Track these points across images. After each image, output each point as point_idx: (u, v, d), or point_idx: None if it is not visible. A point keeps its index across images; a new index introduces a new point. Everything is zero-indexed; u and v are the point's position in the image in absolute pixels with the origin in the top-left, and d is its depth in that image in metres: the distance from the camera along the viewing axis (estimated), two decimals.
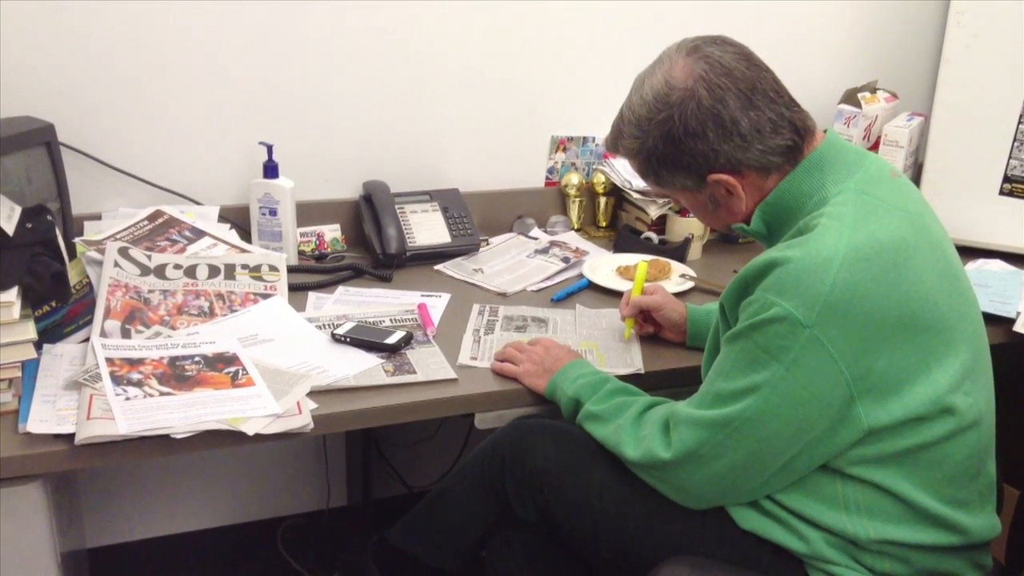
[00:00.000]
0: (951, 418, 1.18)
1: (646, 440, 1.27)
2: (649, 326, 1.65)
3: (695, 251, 2.08)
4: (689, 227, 2.07)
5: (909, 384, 1.15)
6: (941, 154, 2.10)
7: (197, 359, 1.41)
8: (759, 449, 1.18)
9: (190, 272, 1.63)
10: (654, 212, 2.08)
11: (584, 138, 2.22)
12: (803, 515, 1.22)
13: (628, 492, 1.32)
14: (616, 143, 1.32)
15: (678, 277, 1.90)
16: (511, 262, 1.98)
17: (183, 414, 1.26)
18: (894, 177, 1.27)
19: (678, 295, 1.77)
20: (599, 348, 1.61)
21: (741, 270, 1.22)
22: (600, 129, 2.23)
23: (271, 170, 1.83)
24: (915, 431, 1.17)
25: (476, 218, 2.07)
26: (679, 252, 2.03)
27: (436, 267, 1.94)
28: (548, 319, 1.71)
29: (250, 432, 1.24)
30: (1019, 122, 2.01)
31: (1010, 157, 2.03)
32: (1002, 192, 2.04)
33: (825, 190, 1.22)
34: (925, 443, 1.18)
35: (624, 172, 2.15)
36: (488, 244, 2.06)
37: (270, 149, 1.83)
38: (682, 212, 2.09)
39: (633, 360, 1.57)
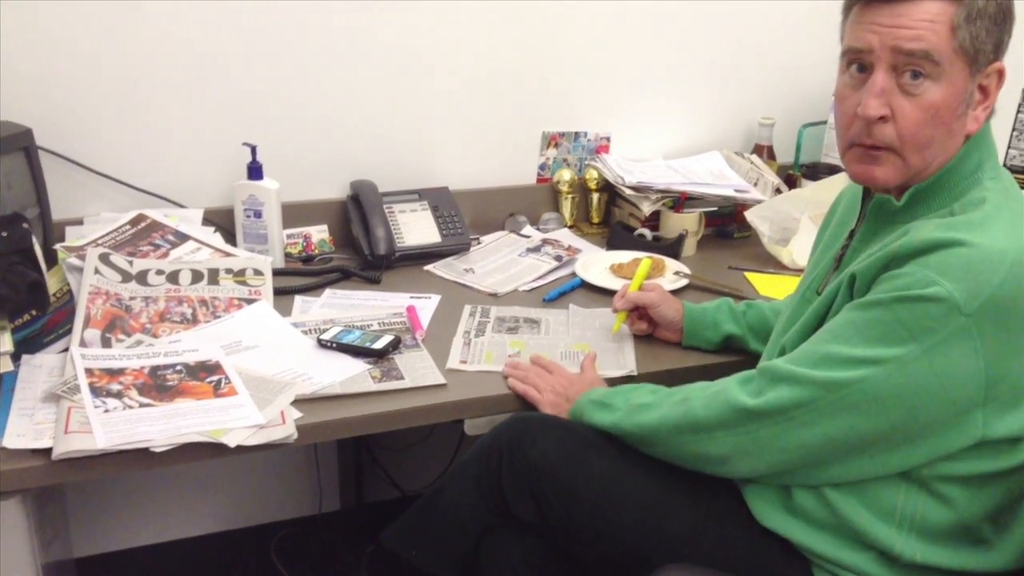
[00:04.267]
0: None
1: (720, 394, 1.21)
2: (643, 323, 1.62)
3: (689, 247, 2.04)
4: (683, 223, 2.03)
5: None
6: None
7: (179, 368, 1.37)
8: (861, 427, 1.11)
9: (173, 278, 1.59)
10: (647, 208, 2.05)
11: (576, 133, 2.19)
12: (849, 521, 1.17)
13: (630, 486, 1.29)
14: None
15: (672, 274, 1.87)
16: (502, 261, 1.94)
17: (163, 426, 1.23)
18: None
19: (672, 292, 1.73)
20: (591, 349, 1.57)
21: (892, 244, 1.13)
22: (592, 124, 2.20)
23: (255, 171, 1.79)
24: (1015, 451, 1.13)
25: (467, 216, 2.03)
26: (673, 249, 1.99)
27: (426, 267, 1.90)
28: (540, 320, 1.67)
29: (231, 444, 1.21)
30: (1018, 111, 1.98)
31: (1009, 147, 2.00)
32: None
33: (982, 172, 1.17)
34: (1017, 466, 1.14)
35: (616, 168, 2.12)
36: (479, 243, 2.02)
37: (254, 150, 1.79)
38: (676, 208, 2.05)
39: (626, 362, 1.53)
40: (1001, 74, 1.17)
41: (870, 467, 1.15)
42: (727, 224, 2.16)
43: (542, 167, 2.19)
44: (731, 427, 1.19)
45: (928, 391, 1.08)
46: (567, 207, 2.18)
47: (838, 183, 1.89)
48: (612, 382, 1.48)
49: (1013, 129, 1.99)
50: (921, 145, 1.14)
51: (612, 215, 2.19)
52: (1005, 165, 2.00)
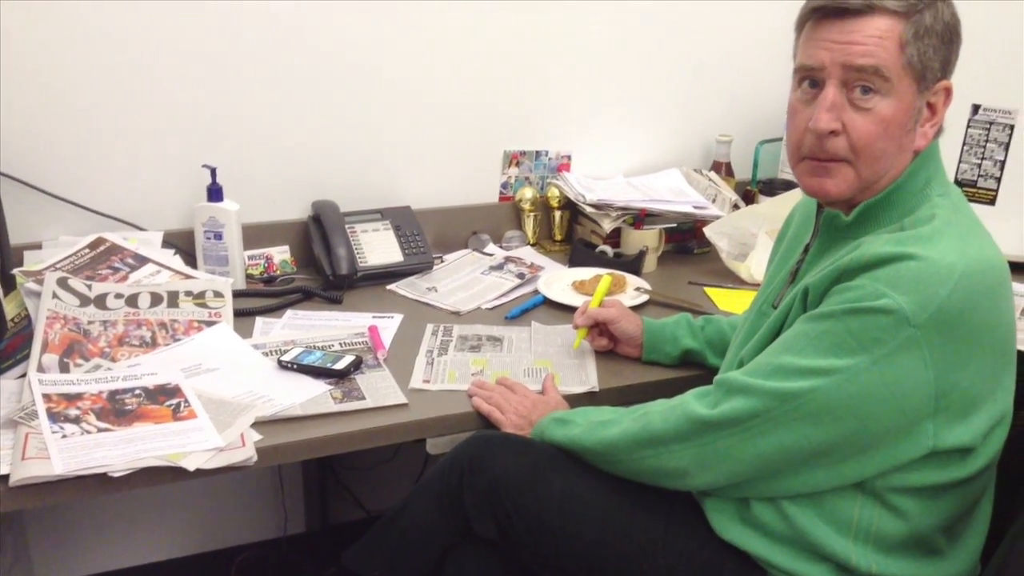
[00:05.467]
0: (993, 452, 1.18)
1: (678, 407, 1.22)
2: (604, 339, 1.63)
3: (650, 264, 2.06)
4: (644, 240, 2.05)
5: (977, 410, 1.14)
6: None
7: (138, 392, 1.37)
8: (814, 437, 1.13)
9: (132, 301, 1.59)
10: (608, 225, 2.06)
11: (537, 152, 2.21)
12: (806, 533, 1.19)
13: (589, 502, 1.30)
14: None
15: (633, 290, 1.88)
16: (465, 279, 1.95)
17: (121, 451, 1.22)
18: None
19: (633, 308, 1.75)
20: (554, 366, 1.58)
21: (843, 258, 1.15)
22: (553, 143, 2.22)
23: (215, 193, 1.79)
24: (966, 462, 1.15)
25: (430, 235, 2.04)
26: (634, 265, 2.01)
27: (388, 287, 1.90)
28: (503, 337, 1.68)
29: (191, 467, 1.20)
30: (968, 126, 2.02)
31: (960, 161, 2.04)
32: None
33: (930, 188, 1.19)
34: (967, 477, 1.16)
35: (577, 186, 2.14)
36: (442, 261, 2.03)
37: (213, 172, 1.79)
38: (636, 225, 2.08)
39: (588, 378, 1.55)
40: (948, 92, 1.20)
41: (824, 478, 1.16)
42: (687, 240, 2.18)
43: (504, 186, 2.21)
44: (688, 439, 1.20)
45: (878, 401, 1.10)
46: (530, 225, 2.20)
47: (793, 198, 1.92)
48: (574, 398, 1.49)
49: (964, 144, 2.03)
50: (874, 157, 1.17)
51: (574, 232, 2.21)
52: (956, 179, 2.05)
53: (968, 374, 1.11)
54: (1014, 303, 1.21)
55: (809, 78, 1.19)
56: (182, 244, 1.84)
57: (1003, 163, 2.01)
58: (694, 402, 1.22)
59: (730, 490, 1.23)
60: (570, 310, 1.76)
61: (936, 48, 1.15)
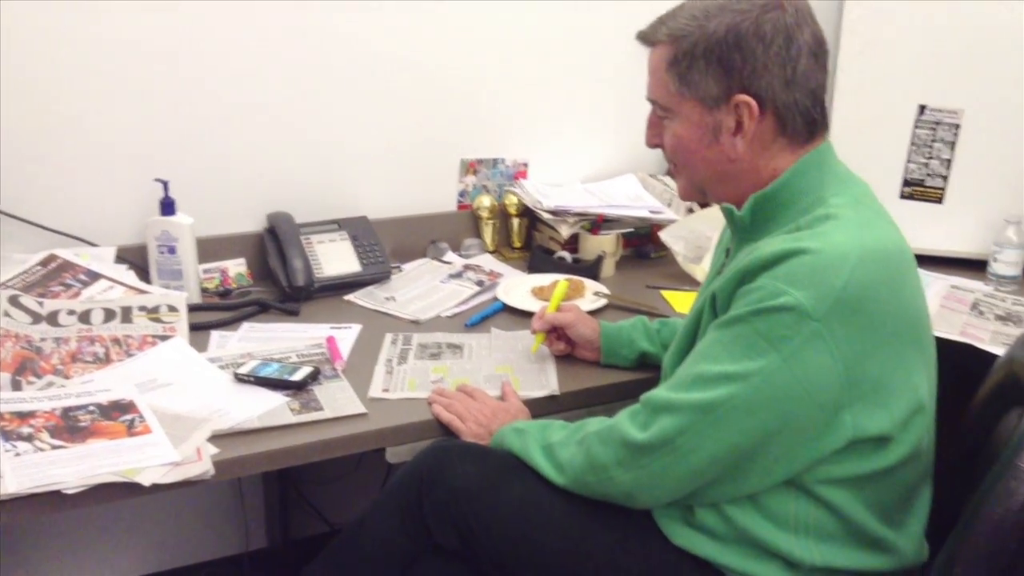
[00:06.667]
0: (915, 439, 1.19)
1: (613, 430, 1.23)
2: (562, 344, 1.64)
3: (608, 268, 2.08)
4: (601, 245, 2.07)
5: (894, 398, 1.15)
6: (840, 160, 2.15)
7: (91, 408, 1.35)
8: (741, 443, 1.14)
9: (84, 317, 1.57)
10: (566, 231, 2.08)
11: (494, 160, 2.21)
12: (749, 533, 1.20)
13: (548, 509, 1.30)
14: (658, 27, 1.25)
15: (591, 295, 1.90)
16: (424, 288, 1.95)
17: (76, 468, 1.20)
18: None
19: (592, 312, 1.76)
20: (514, 371, 1.59)
21: (744, 261, 1.18)
22: (509, 151, 2.22)
23: (168, 207, 1.77)
24: (886, 451, 1.17)
25: (388, 245, 2.03)
26: (592, 270, 2.03)
27: (346, 297, 1.90)
28: (463, 344, 1.68)
29: (146, 483, 1.19)
30: (915, 126, 2.06)
31: (908, 160, 2.08)
32: (903, 196, 2.09)
33: (824, 190, 1.21)
34: (890, 466, 1.18)
35: (535, 193, 2.15)
36: (401, 271, 2.03)
37: (166, 185, 1.77)
38: (593, 230, 2.09)
39: (548, 382, 1.55)
40: (750, 106, 1.20)
41: (758, 481, 1.18)
42: (644, 244, 2.20)
43: (462, 194, 2.21)
44: (626, 464, 1.22)
45: (795, 397, 1.12)
46: (488, 233, 2.20)
47: None
48: (535, 402, 1.50)
49: (911, 144, 2.06)
50: (684, 165, 1.30)
51: (533, 239, 2.22)
52: (904, 179, 2.08)
53: (876, 361, 1.13)
54: (920, 287, 1.24)
55: None
56: (135, 259, 1.82)
57: (950, 162, 2.05)
58: (627, 423, 1.23)
59: (677, 503, 1.25)
60: (530, 316, 1.76)
61: (704, 69, 1.20)
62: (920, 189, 2.08)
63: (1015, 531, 0.99)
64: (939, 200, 2.07)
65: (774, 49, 1.18)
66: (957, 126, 2.03)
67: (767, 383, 1.12)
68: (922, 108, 2.05)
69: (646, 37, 1.27)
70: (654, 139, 1.31)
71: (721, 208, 1.31)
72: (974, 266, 2.03)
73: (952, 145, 2.04)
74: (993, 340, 1.71)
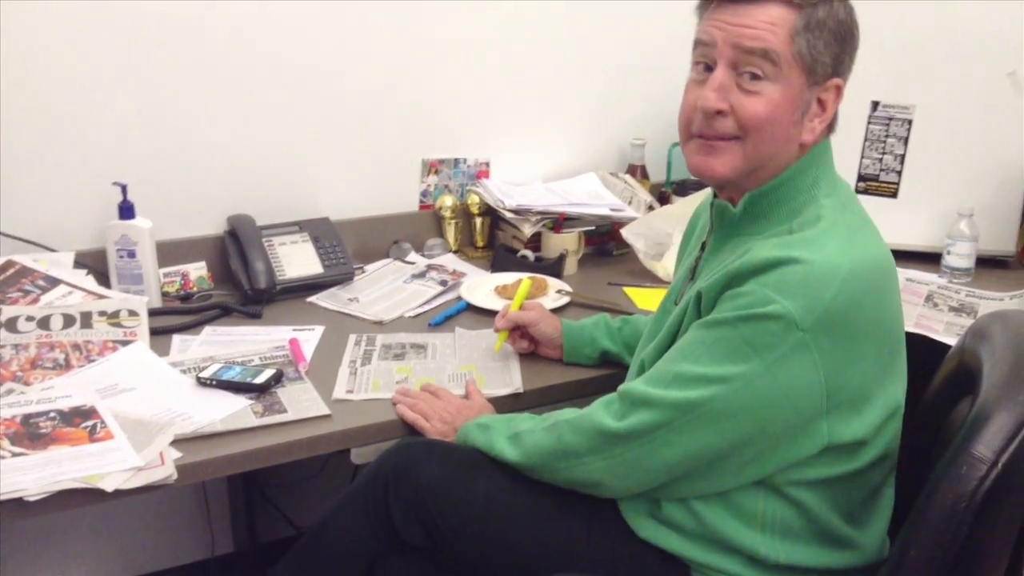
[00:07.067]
0: (887, 442, 1.21)
1: (587, 419, 1.24)
2: (525, 342, 1.65)
3: (570, 266, 2.09)
4: (563, 243, 2.08)
5: (871, 405, 1.17)
6: None
7: (52, 415, 1.34)
8: (716, 443, 1.15)
9: (43, 323, 1.55)
10: (528, 230, 2.09)
11: (455, 160, 2.22)
12: (716, 529, 1.21)
13: (513, 504, 1.31)
14: None
15: (554, 292, 1.91)
16: (388, 289, 1.95)
17: (37, 475, 1.20)
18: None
19: (555, 310, 1.77)
20: (478, 370, 1.60)
21: (734, 264, 1.17)
22: (471, 150, 2.23)
23: (127, 211, 1.76)
24: (859, 455, 1.19)
25: (350, 246, 2.03)
26: (555, 268, 2.04)
27: (309, 299, 1.89)
28: (427, 344, 1.69)
29: (109, 488, 1.19)
30: (868, 122, 2.09)
31: (862, 156, 2.12)
32: (858, 191, 2.12)
33: (817, 189, 1.22)
34: (861, 467, 1.20)
35: (497, 192, 2.15)
36: (364, 272, 2.03)
37: (124, 189, 1.76)
38: (555, 229, 2.10)
39: (512, 380, 1.56)
40: (839, 90, 1.22)
41: (730, 479, 1.20)
42: (606, 242, 2.22)
43: (424, 194, 2.21)
44: (599, 451, 1.23)
45: (774, 404, 1.13)
46: (451, 232, 2.21)
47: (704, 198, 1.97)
48: (499, 400, 1.51)
49: (865, 139, 2.10)
50: (761, 138, 1.19)
51: (496, 238, 2.23)
52: (859, 173, 2.12)
53: (857, 371, 1.15)
54: (899, 295, 1.26)
55: (704, 60, 1.22)
56: (95, 264, 1.80)
57: (903, 157, 2.09)
58: (602, 412, 1.24)
59: (646, 495, 1.26)
60: (493, 314, 1.77)
61: (827, 43, 1.18)
62: (875, 184, 2.12)
63: (967, 516, 1.01)
64: (893, 195, 2.11)
65: (854, 41, 1.22)
66: (910, 122, 2.07)
67: (747, 388, 1.13)
68: (875, 104, 2.08)
69: None
70: (721, 103, 1.18)
71: (714, 203, 1.30)
72: (928, 259, 2.07)
73: (905, 140, 2.08)
74: (947, 331, 1.75)
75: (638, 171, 2.34)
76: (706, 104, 1.18)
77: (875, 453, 1.21)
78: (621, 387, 1.26)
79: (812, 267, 1.11)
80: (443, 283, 1.96)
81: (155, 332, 1.64)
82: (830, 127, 1.25)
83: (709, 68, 1.21)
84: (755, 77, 1.17)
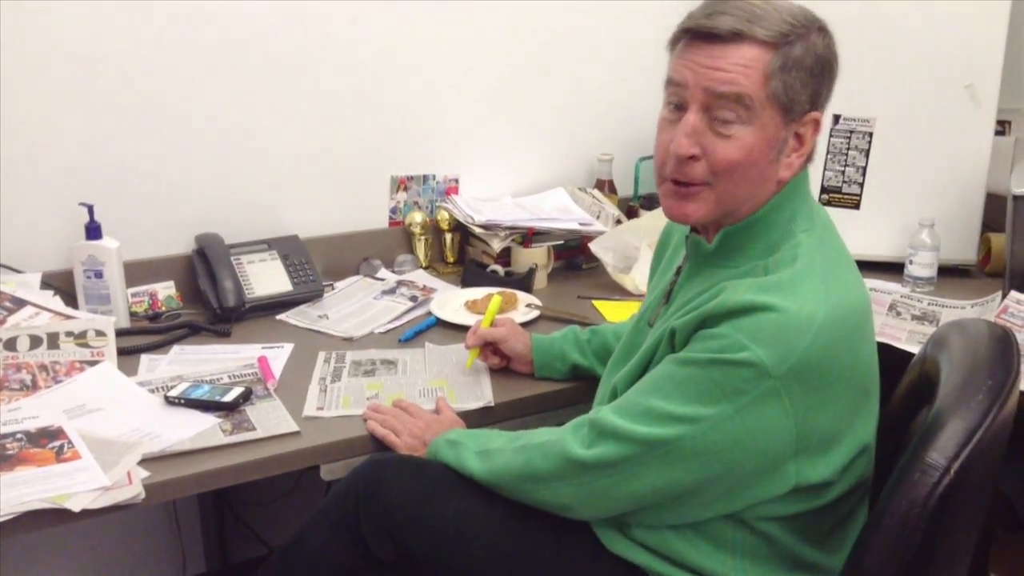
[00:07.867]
0: (855, 478, 1.22)
1: (556, 444, 1.24)
2: (496, 358, 1.66)
3: (540, 280, 2.10)
4: (533, 258, 2.09)
5: (839, 446, 1.17)
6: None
7: (19, 436, 1.33)
8: (683, 480, 1.15)
9: (10, 345, 1.54)
10: (498, 245, 2.10)
11: (424, 176, 2.23)
12: (685, 553, 1.22)
13: (484, 520, 1.31)
14: (746, 23, 1.12)
15: (524, 307, 1.92)
16: (357, 305, 1.95)
17: (4, 496, 1.19)
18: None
19: (525, 324, 1.78)
20: (449, 384, 1.60)
21: (707, 304, 1.15)
22: (440, 167, 2.24)
23: (94, 231, 1.75)
24: (826, 492, 1.19)
25: (320, 263, 2.03)
26: (525, 282, 2.05)
27: (278, 317, 1.89)
28: (397, 360, 1.69)
29: (76, 508, 1.18)
30: (830, 135, 2.13)
31: (825, 168, 2.15)
32: (821, 203, 2.15)
33: (794, 223, 1.20)
34: (829, 503, 1.20)
35: (466, 208, 2.17)
36: (333, 289, 2.03)
37: (91, 209, 1.75)
38: (525, 243, 2.12)
39: (483, 393, 1.57)
40: (817, 124, 1.19)
41: (696, 513, 1.20)
42: (575, 256, 2.24)
43: (393, 211, 2.22)
44: (566, 478, 1.23)
45: (742, 447, 1.13)
46: (421, 248, 2.21)
47: None
48: (471, 414, 1.51)
49: (828, 152, 2.13)
50: (733, 182, 1.16)
51: (466, 253, 2.24)
52: (822, 185, 2.15)
53: (827, 416, 1.15)
54: (874, 333, 1.25)
55: (676, 98, 1.19)
56: (62, 285, 1.80)
57: (865, 169, 2.13)
58: (570, 439, 1.24)
59: (614, 519, 1.27)
60: (464, 330, 1.78)
61: (804, 82, 1.15)
62: (838, 196, 2.15)
63: (920, 522, 1.02)
64: (856, 206, 2.15)
65: (833, 74, 1.20)
66: (871, 134, 2.11)
67: (715, 430, 1.12)
68: (837, 118, 2.12)
69: (734, 31, 1.13)
70: (693, 148, 1.15)
71: (689, 238, 1.29)
72: (891, 269, 2.10)
73: (867, 153, 2.12)
74: (909, 339, 1.77)
75: (606, 186, 2.36)
76: (678, 150, 1.16)
77: (843, 489, 1.21)
78: (591, 414, 1.25)
79: (787, 316, 1.10)
80: (413, 299, 1.97)
81: (123, 352, 1.64)
82: (808, 158, 1.23)
83: (679, 107, 1.18)
84: (727, 121, 1.14)
